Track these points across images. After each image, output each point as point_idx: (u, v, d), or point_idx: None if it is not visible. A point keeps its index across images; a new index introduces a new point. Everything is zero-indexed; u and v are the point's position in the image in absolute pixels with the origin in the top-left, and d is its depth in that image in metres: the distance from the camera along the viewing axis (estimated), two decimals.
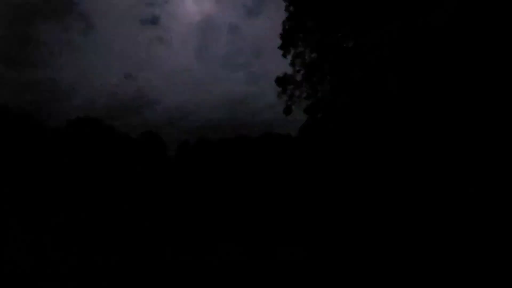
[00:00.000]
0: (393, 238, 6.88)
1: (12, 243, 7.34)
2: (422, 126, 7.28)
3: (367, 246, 6.83)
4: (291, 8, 9.08)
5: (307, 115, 9.25)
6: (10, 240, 7.49)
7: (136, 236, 7.96)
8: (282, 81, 9.56)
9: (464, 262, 5.84)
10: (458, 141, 7.13)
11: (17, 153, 11.06)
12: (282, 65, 9.09)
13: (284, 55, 9.51)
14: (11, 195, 9.66)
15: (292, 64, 9.60)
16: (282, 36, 9.48)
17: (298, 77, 9.36)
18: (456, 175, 7.12)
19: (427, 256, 6.21)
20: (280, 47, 9.62)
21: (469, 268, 5.63)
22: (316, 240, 7.34)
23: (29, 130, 11.98)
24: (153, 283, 5.78)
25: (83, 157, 12.37)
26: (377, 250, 6.68)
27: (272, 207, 9.10)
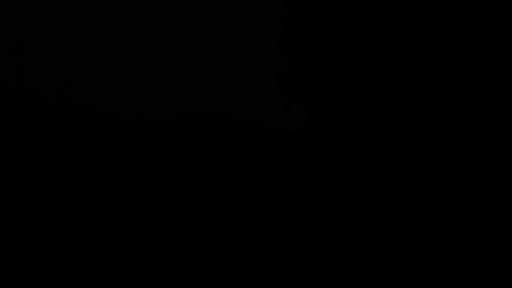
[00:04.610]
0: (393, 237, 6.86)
1: (12, 242, 7.31)
2: (422, 126, 7.25)
3: (366, 246, 6.81)
4: (292, 5, 9.05)
5: (307, 112, 9.22)
6: (10, 240, 7.46)
7: (135, 235, 7.93)
8: (282, 78, 9.51)
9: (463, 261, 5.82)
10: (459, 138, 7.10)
11: (16, 151, 10.98)
12: (283, 62, 9.02)
13: (285, 52, 9.46)
14: (10, 194, 9.64)
15: (293, 60, 9.56)
16: (283, 33, 9.43)
17: (299, 74, 9.32)
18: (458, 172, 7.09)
19: (426, 256, 6.19)
20: (281, 44, 9.58)
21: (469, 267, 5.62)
22: (315, 240, 7.32)
23: (28, 128, 11.86)
24: (152, 282, 5.76)
25: (82, 155, 12.28)
26: (376, 249, 6.65)
27: (272, 205, 9.09)
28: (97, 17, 7.36)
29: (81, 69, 7.82)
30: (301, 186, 8.07)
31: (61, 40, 7.73)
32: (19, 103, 8.04)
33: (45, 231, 7.96)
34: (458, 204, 6.86)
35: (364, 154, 7.76)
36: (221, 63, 7.59)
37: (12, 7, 7.06)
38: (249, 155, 8.75)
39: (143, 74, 7.94)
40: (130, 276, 6.23)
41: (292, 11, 8.92)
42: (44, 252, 7.18)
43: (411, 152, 7.47)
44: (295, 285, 6.06)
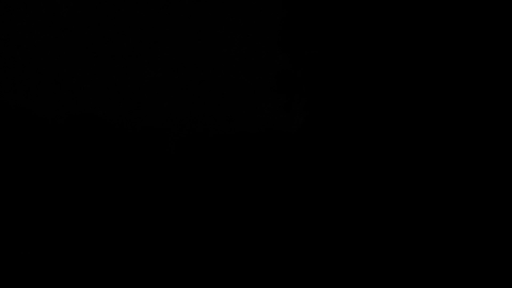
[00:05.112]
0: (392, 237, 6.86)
1: (12, 242, 7.33)
2: (423, 126, 7.25)
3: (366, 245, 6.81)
4: (291, 4, 9.04)
5: (307, 112, 9.22)
6: (10, 240, 7.48)
7: (135, 235, 7.95)
8: (282, 78, 9.50)
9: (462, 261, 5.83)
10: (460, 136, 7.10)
11: (16, 149, 10.95)
12: (282, 62, 9.03)
13: (284, 51, 9.45)
14: (9, 194, 9.64)
15: (292, 59, 9.55)
16: (282, 32, 9.42)
17: (298, 73, 9.31)
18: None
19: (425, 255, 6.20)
20: (280, 43, 9.56)
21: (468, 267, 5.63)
22: (315, 240, 7.32)
23: (28, 125, 11.81)
24: (153, 282, 5.77)
25: (83, 154, 12.22)
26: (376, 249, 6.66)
27: (272, 205, 9.09)
28: (98, 16, 7.39)
29: (81, 67, 7.86)
30: (300, 185, 8.10)
31: (61, 39, 7.77)
32: (19, 100, 8.10)
33: (45, 229, 8.00)
34: (458, 204, 6.88)
35: (364, 153, 7.76)
36: (220, 61, 7.61)
37: (11, 6, 7.10)
38: (249, 154, 8.79)
39: (142, 72, 7.98)
40: (130, 276, 6.25)
41: (291, 11, 8.92)
42: (44, 251, 7.21)
43: (411, 152, 7.48)
44: (295, 285, 6.07)
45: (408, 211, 7.35)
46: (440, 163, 7.48)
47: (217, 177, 10.10)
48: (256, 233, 8.39)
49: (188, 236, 8.31)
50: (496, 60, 7.11)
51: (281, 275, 6.36)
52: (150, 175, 10.14)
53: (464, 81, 7.32)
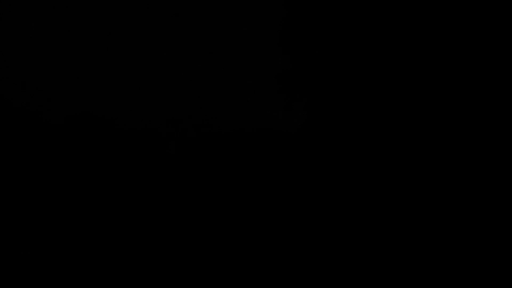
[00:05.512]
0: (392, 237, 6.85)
1: (11, 242, 7.31)
2: (423, 126, 7.26)
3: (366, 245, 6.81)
4: (291, 4, 9.05)
5: (307, 111, 9.21)
6: (9, 240, 7.46)
7: (135, 235, 7.94)
8: (282, 78, 9.50)
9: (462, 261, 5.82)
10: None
11: (15, 149, 10.91)
12: (281, 61, 9.03)
13: (285, 50, 9.46)
14: (8, 194, 9.60)
15: (293, 59, 9.54)
16: (283, 31, 9.42)
17: (299, 73, 9.33)
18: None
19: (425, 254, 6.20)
20: (280, 42, 9.55)
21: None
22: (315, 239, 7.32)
23: (28, 124, 11.73)
24: (153, 281, 5.77)
25: (82, 154, 12.15)
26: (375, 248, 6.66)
27: (271, 205, 9.06)
28: (98, 16, 7.44)
29: (81, 67, 7.89)
30: (301, 185, 8.07)
31: (61, 39, 7.81)
32: (21, 100, 8.11)
33: (44, 228, 7.99)
34: (459, 204, 6.89)
35: (365, 154, 7.77)
36: (220, 61, 7.61)
37: (11, 6, 7.15)
38: (248, 154, 8.73)
39: (142, 72, 7.99)
40: (130, 276, 6.25)
41: (291, 11, 8.94)
42: (44, 251, 7.20)
43: (414, 152, 7.50)
44: (295, 285, 6.07)
45: (410, 212, 7.32)
46: (445, 164, 7.45)
47: (217, 177, 10.09)
48: (257, 234, 8.38)
49: (188, 236, 8.31)
50: (497, 60, 7.11)
51: (281, 275, 6.36)
52: (149, 175, 10.13)
53: (465, 81, 7.31)
